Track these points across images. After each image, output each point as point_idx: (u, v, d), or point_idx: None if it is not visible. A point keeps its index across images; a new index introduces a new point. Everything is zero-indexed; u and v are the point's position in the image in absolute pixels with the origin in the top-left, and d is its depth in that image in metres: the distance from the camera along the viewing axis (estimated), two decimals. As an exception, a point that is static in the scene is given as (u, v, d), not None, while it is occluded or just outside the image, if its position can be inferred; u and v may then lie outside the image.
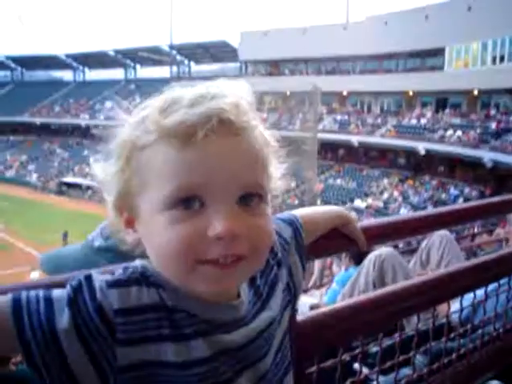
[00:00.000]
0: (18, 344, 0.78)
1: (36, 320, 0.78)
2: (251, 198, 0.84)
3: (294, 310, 1.29)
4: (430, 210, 2.05)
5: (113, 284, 0.83)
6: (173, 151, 0.80)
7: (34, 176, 51.72)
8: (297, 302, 1.14)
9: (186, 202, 0.80)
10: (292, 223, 1.16)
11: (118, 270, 0.88)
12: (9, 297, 0.80)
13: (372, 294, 1.74)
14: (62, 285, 0.85)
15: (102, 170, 0.90)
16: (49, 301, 0.80)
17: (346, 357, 1.63)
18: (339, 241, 1.40)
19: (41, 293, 0.82)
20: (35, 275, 24.75)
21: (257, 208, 0.85)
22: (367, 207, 34.39)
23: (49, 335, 0.78)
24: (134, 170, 0.85)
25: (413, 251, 4.64)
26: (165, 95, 0.87)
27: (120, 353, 0.80)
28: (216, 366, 0.86)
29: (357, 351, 1.66)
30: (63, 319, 0.78)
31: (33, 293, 0.81)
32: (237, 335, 0.89)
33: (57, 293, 0.82)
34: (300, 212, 1.24)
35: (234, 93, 0.86)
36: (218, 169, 0.80)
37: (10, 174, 53.84)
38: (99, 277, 0.84)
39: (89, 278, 0.83)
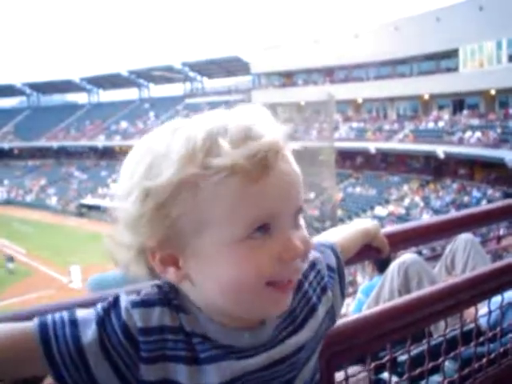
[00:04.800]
0: (47, 366, 0.81)
1: (63, 342, 0.81)
2: (299, 213, 0.87)
3: None
4: (452, 213, 2.03)
5: (137, 304, 0.86)
6: (248, 185, 0.79)
7: (54, 199, 52.34)
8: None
9: (257, 230, 0.81)
10: (334, 251, 1.14)
11: (144, 290, 0.90)
12: (35, 322, 0.83)
13: (398, 300, 1.73)
14: (93, 303, 0.89)
15: (124, 211, 0.84)
16: (74, 322, 0.83)
17: (374, 365, 1.61)
18: (362, 250, 1.38)
19: (65, 315, 0.84)
20: (76, 268, 25.04)
21: (299, 220, 0.87)
22: (388, 214, 34.13)
23: (75, 354, 0.81)
24: (185, 209, 0.80)
25: (437, 257, 4.59)
26: (197, 128, 0.82)
27: (143, 369, 0.83)
28: None
29: (385, 359, 1.65)
30: (88, 335, 0.82)
31: (58, 316, 0.84)
32: (255, 360, 0.89)
33: (81, 313, 0.85)
34: (334, 239, 1.21)
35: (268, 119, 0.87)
36: (287, 197, 0.83)
37: (30, 198, 54.57)
38: (126, 297, 0.87)
39: (116, 299, 0.87)
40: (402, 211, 34.13)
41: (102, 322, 0.83)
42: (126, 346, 0.82)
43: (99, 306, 0.86)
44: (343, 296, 1.12)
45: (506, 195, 29.03)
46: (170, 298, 0.88)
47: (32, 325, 0.83)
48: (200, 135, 0.80)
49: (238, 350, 0.88)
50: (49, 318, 0.84)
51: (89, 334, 0.82)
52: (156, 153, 0.82)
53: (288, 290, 0.86)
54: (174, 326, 0.85)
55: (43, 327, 0.82)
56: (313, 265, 1.02)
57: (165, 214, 0.81)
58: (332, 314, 1.06)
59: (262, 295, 0.82)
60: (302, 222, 0.88)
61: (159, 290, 0.89)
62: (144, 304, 0.86)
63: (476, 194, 32.38)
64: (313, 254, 1.02)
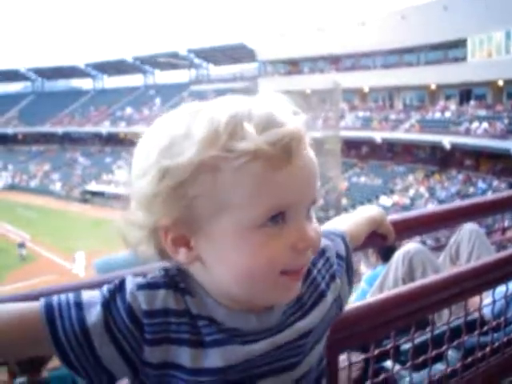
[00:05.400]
0: (53, 347, 0.82)
1: (68, 323, 0.82)
2: (313, 205, 0.87)
3: None
4: (458, 202, 2.03)
5: (142, 286, 0.86)
6: (270, 172, 0.79)
7: (58, 185, 52.47)
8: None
9: (274, 218, 0.81)
10: (343, 240, 1.13)
11: (151, 273, 0.91)
12: (41, 303, 0.83)
13: (402, 288, 1.73)
14: (99, 285, 0.89)
15: (139, 189, 0.84)
16: (79, 304, 0.84)
17: (378, 353, 1.62)
18: (368, 237, 1.37)
19: (71, 297, 0.85)
20: (81, 254, 25.23)
21: (311, 212, 0.88)
22: (393, 204, 34.10)
23: (80, 335, 0.81)
24: (204, 191, 0.79)
25: (441, 248, 4.58)
26: (220, 111, 0.82)
27: (147, 351, 0.83)
28: (228, 376, 0.86)
29: (388, 346, 1.66)
30: (93, 316, 0.82)
31: (63, 297, 0.85)
32: (260, 345, 0.89)
33: (87, 295, 0.86)
34: (343, 227, 1.21)
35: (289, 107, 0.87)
36: (306, 187, 0.84)
37: (34, 183, 54.72)
38: (132, 280, 0.87)
39: (122, 282, 0.87)
40: (407, 201, 34.10)
41: (108, 304, 0.84)
42: (130, 329, 0.83)
43: (105, 289, 0.86)
44: (351, 285, 1.11)
45: (512, 186, 28.95)
46: (176, 281, 0.88)
47: (38, 305, 0.83)
48: (224, 118, 0.80)
49: (244, 334, 0.88)
50: (54, 299, 0.84)
51: (94, 315, 0.82)
52: (175, 133, 0.82)
53: (299, 277, 0.87)
54: (178, 309, 0.86)
55: (49, 308, 0.83)
56: (322, 252, 1.02)
57: (182, 193, 0.80)
58: (339, 302, 1.05)
59: (274, 283, 0.83)
60: (313, 213, 0.89)
61: (166, 273, 0.89)
62: (149, 286, 0.86)
63: (481, 185, 32.32)
64: (323, 242, 1.01)
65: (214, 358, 0.85)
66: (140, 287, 0.86)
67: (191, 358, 0.85)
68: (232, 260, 0.81)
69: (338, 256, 1.07)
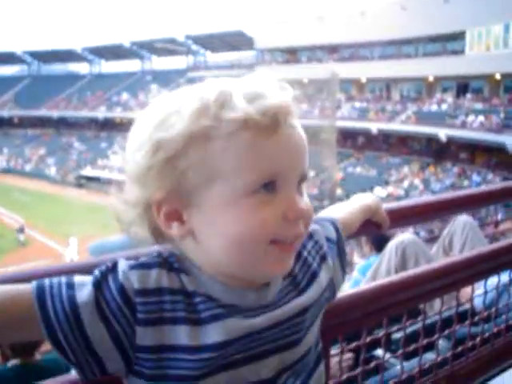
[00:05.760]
0: (42, 326, 0.81)
1: (58, 301, 0.81)
2: (303, 181, 0.89)
3: None
4: (452, 192, 2.04)
5: (135, 266, 0.86)
6: (259, 139, 0.82)
7: (53, 169, 52.22)
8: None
9: (265, 186, 0.83)
10: (333, 225, 1.15)
11: (145, 256, 0.91)
12: (33, 284, 0.83)
13: (395, 276, 1.74)
14: (93, 267, 0.89)
15: (134, 164, 0.86)
16: (71, 284, 0.84)
17: (369, 340, 1.63)
18: (363, 224, 1.37)
19: (63, 279, 0.85)
20: (74, 240, 25.32)
21: (302, 188, 0.90)
22: (388, 195, 34.17)
23: (70, 313, 0.81)
24: (196, 161, 0.82)
25: (435, 240, 4.60)
26: (210, 88, 0.86)
27: (139, 332, 0.83)
28: (228, 351, 0.86)
29: (380, 334, 1.67)
30: (84, 295, 0.82)
31: (55, 279, 0.85)
32: (260, 320, 0.89)
33: (79, 278, 0.85)
34: (336, 214, 1.23)
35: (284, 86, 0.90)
36: (295, 158, 0.86)
37: (29, 167, 54.48)
38: (124, 262, 0.87)
39: (115, 264, 0.87)
40: (402, 193, 34.17)
41: (99, 284, 0.84)
42: (122, 309, 0.82)
43: (97, 270, 0.86)
44: (344, 271, 1.12)
45: (506, 180, 29.00)
46: (170, 261, 0.89)
47: (29, 286, 0.83)
48: (214, 92, 0.84)
49: (242, 310, 0.88)
50: (46, 280, 0.84)
51: (85, 295, 0.82)
52: (168, 110, 0.85)
53: (291, 250, 0.88)
54: (172, 287, 0.86)
55: (40, 288, 0.83)
56: (310, 236, 1.04)
57: (175, 165, 0.83)
58: (332, 286, 1.07)
59: (265, 252, 0.84)
60: (305, 191, 0.91)
61: (159, 254, 0.90)
62: (142, 266, 0.87)
63: (476, 178, 32.42)
64: (311, 226, 1.02)
65: (214, 333, 0.84)
66: (133, 267, 0.86)
67: (189, 336, 0.84)
68: (222, 228, 0.83)
69: (328, 239, 1.09)
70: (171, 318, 0.84)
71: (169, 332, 0.84)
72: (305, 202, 0.89)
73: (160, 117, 0.85)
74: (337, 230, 1.13)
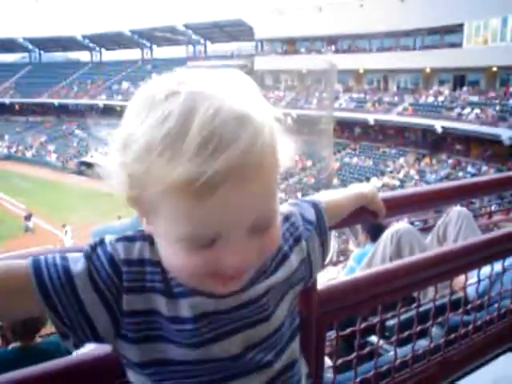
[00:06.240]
0: (38, 291, 0.85)
1: (54, 271, 0.87)
2: (261, 224, 0.84)
3: (315, 280, 1.34)
4: (447, 182, 2.06)
5: (120, 239, 0.92)
6: (185, 204, 0.77)
7: (54, 156, 52.01)
8: (309, 282, 1.14)
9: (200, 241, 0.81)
10: (315, 206, 1.16)
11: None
12: (29, 259, 0.88)
13: (390, 264, 1.77)
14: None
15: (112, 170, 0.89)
16: (64, 257, 0.89)
17: (364, 327, 1.66)
18: (359, 212, 1.40)
19: (57, 255, 0.90)
20: (68, 228, 25.39)
21: (268, 223, 0.85)
22: (383, 186, 34.19)
23: (65, 281, 0.86)
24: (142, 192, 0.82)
25: (429, 229, 4.63)
26: (172, 112, 0.77)
27: (125, 299, 0.88)
28: (200, 326, 0.90)
29: (375, 321, 1.70)
30: (77, 266, 0.87)
31: (50, 255, 0.90)
32: (226, 300, 0.92)
33: (72, 254, 0.91)
34: (323, 196, 1.25)
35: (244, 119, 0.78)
36: (234, 218, 0.79)
37: (30, 154, 54.26)
38: (111, 236, 0.92)
39: (102, 239, 0.92)
40: (397, 183, 34.16)
41: (90, 256, 0.89)
42: (112, 276, 0.87)
43: (86, 245, 0.92)
44: (324, 250, 1.14)
45: (500, 172, 29.04)
46: (152, 237, 0.91)
47: (25, 261, 0.88)
48: (164, 129, 0.76)
49: (209, 294, 0.91)
50: (42, 257, 0.89)
51: (78, 265, 0.88)
52: (129, 128, 0.83)
53: (233, 280, 0.86)
54: (153, 259, 0.90)
55: (36, 261, 0.87)
56: (287, 218, 1.06)
57: (133, 183, 0.82)
58: (308, 264, 1.09)
59: (206, 281, 0.85)
60: (272, 221, 0.86)
61: (142, 230, 0.93)
62: (127, 239, 0.92)
63: (471, 169, 32.42)
64: (287, 209, 1.06)
65: (184, 308, 0.89)
66: (118, 239, 0.91)
67: (166, 307, 0.89)
68: (164, 253, 0.86)
69: (306, 220, 1.10)
70: (151, 288, 0.89)
71: (152, 298, 0.89)
72: (256, 244, 0.84)
73: (124, 132, 0.84)
74: (318, 211, 1.15)
